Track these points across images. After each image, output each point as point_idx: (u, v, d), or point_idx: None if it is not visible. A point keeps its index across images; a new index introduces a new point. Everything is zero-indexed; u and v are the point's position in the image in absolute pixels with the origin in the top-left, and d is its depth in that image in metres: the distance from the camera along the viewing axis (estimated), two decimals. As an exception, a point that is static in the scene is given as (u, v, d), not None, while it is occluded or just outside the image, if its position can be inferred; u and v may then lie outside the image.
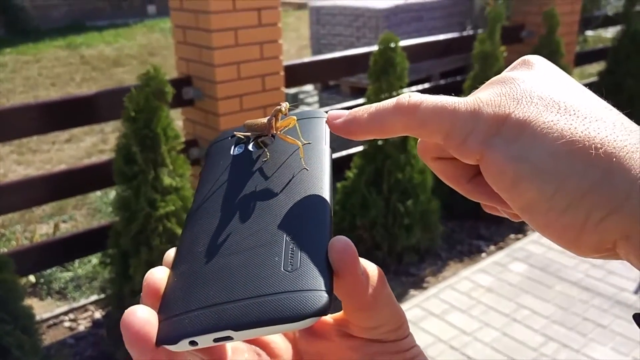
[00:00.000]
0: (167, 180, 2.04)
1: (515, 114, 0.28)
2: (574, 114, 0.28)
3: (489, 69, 3.31)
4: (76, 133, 5.34)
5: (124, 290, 2.13)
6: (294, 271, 0.28)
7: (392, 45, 2.80)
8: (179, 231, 2.07)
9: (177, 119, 2.99)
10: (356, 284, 0.29)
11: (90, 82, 7.27)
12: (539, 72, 0.31)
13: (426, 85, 3.84)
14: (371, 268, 0.32)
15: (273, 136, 0.39)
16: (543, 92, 0.29)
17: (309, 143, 0.38)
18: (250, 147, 0.39)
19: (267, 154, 0.38)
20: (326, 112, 0.37)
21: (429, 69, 4.59)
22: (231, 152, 0.39)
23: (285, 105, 0.40)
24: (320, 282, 0.28)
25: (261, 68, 2.65)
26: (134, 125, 2.03)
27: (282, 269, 0.29)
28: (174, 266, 0.32)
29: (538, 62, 0.32)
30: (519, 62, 0.33)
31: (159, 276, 0.30)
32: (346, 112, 0.34)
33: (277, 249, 0.30)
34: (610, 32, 8.53)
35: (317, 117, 0.40)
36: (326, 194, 0.33)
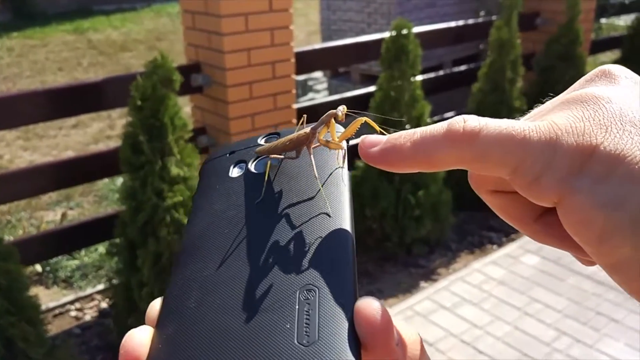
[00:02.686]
0: (174, 170, 2.00)
1: (604, 145, 0.23)
2: None
3: (506, 56, 3.23)
4: (83, 119, 5.31)
5: (131, 281, 2.09)
6: (311, 345, 0.22)
7: (405, 31, 2.74)
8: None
9: (185, 105, 2.95)
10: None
11: (97, 67, 7.22)
12: (627, 89, 0.25)
13: (439, 73, 3.76)
14: (408, 334, 0.26)
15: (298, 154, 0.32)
16: (637, 116, 0.23)
17: (341, 167, 0.31)
18: (251, 167, 0.33)
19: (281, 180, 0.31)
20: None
21: (441, 57, 4.51)
22: (229, 174, 0.33)
23: (342, 109, 0.33)
24: None
25: (272, 55, 2.59)
26: (141, 114, 1.99)
27: (295, 341, 0.23)
28: (160, 325, 0.25)
29: (622, 75, 0.26)
30: (597, 74, 0.27)
31: (139, 341, 0.24)
32: (383, 138, 0.28)
33: (288, 311, 0.24)
34: (623, 20, 8.40)
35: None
36: (349, 237, 0.27)
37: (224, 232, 0.28)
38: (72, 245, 2.53)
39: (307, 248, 0.26)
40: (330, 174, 0.31)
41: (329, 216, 0.28)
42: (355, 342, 0.23)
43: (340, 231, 0.27)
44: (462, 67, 3.99)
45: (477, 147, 0.25)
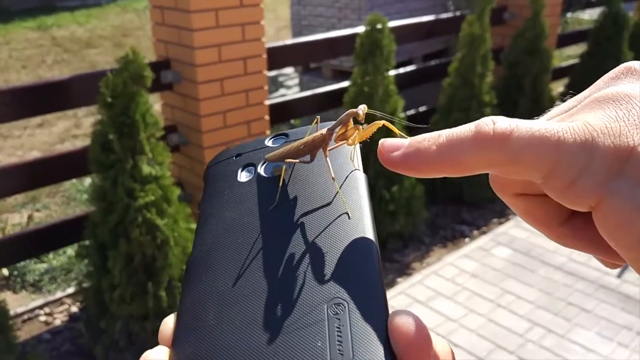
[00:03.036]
0: (146, 169, 1.96)
1: None
2: None
3: (476, 51, 3.26)
4: (48, 118, 5.18)
5: (102, 284, 2.05)
6: None
7: (379, 26, 2.73)
8: (160, 222, 2.00)
9: (154, 102, 2.89)
10: None
11: (62, 64, 7.05)
12: None
13: (411, 68, 3.78)
14: (440, 346, 0.24)
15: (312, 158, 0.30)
16: None
17: (357, 169, 0.30)
18: (261, 170, 0.31)
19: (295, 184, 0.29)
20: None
21: (411, 51, 4.53)
22: (238, 178, 0.31)
23: (363, 109, 0.31)
24: None
25: (243, 50, 2.56)
26: (111, 111, 1.94)
27: (329, 359, 0.21)
28: (176, 344, 0.24)
29: None
30: (623, 71, 0.26)
31: None
32: (404, 141, 0.26)
33: (318, 328, 0.22)
34: (587, 14, 8.57)
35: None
36: (373, 245, 0.25)
37: (239, 241, 0.27)
38: (40, 248, 2.46)
39: (330, 258, 0.25)
40: (347, 177, 0.29)
41: (350, 222, 0.27)
42: (391, 356, 0.22)
43: (364, 240, 0.26)
44: (433, 62, 4.02)
45: (509, 150, 0.24)
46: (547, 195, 0.26)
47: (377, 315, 0.22)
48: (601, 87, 0.26)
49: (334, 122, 0.31)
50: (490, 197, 3.48)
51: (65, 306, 2.62)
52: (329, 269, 0.24)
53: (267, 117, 2.78)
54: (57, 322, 2.52)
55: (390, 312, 0.23)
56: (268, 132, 2.83)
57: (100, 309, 2.09)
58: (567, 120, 0.25)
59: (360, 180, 0.29)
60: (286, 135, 0.34)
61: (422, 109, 3.78)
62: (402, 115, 2.98)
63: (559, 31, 4.52)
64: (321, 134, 0.31)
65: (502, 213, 3.43)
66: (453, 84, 3.38)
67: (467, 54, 3.29)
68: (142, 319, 2.03)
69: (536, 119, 0.26)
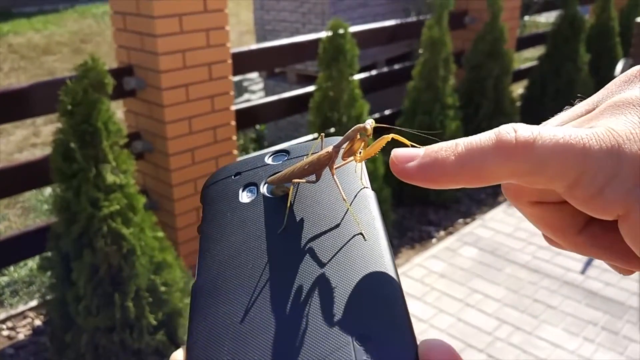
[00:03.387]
0: (110, 178, 1.92)
1: None
2: None
3: (438, 54, 3.31)
4: (6, 126, 5.03)
5: (66, 296, 1.99)
6: None
7: (341, 31, 2.74)
8: (125, 231, 1.96)
9: (117, 110, 2.84)
10: None
11: (19, 72, 6.87)
12: None
13: (374, 72, 3.81)
14: None
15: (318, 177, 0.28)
16: None
17: (365, 187, 0.28)
18: (264, 190, 0.29)
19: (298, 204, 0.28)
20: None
21: (374, 56, 4.56)
22: (240, 199, 0.29)
23: (371, 123, 0.29)
24: None
25: (208, 56, 2.54)
26: (72, 119, 1.89)
27: None
28: None
29: None
30: (636, 75, 0.26)
31: None
32: (418, 151, 0.25)
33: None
34: (544, 17, 8.79)
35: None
36: (394, 270, 0.24)
37: (248, 268, 0.25)
38: (0, 261, 2.39)
39: (349, 286, 0.23)
40: (356, 196, 0.28)
41: (366, 245, 0.25)
42: None
43: (383, 264, 0.24)
44: (397, 66, 4.06)
45: (533, 159, 0.23)
46: (563, 203, 0.25)
47: (408, 348, 0.21)
48: (614, 91, 0.26)
49: (340, 139, 0.30)
50: (456, 198, 3.53)
51: (29, 320, 2.54)
52: (350, 299, 0.23)
53: (233, 123, 2.76)
54: (21, 336, 2.44)
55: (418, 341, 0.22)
56: (234, 137, 2.81)
57: (65, 322, 2.04)
58: (586, 126, 0.24)
59: (370, 199, 0.28)
60: (287, 152, 0.32)
61: (386, 112, 3.81)
62: (366, 118, 2.99)
63: (517, 34, 4.62)
64: (327, 151, 0.29)
65: (467, 213, 3.48)
66: (417, 87, 3.42)
67: (429, 58, 3.33)
68: (109, 331, 1.98)
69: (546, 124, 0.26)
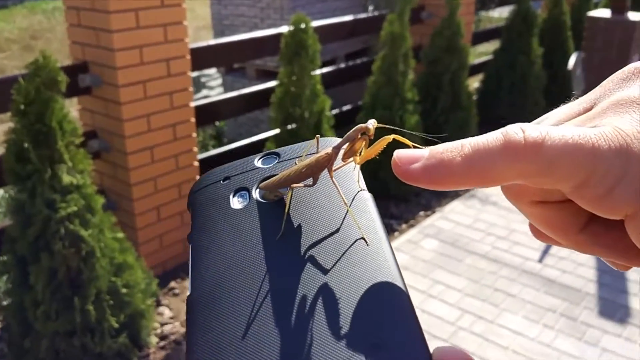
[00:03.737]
0: (66, 179, 1.86)
1: None
2: None
3: (397, 50, 3.33)
4: (-48, 126, 4.83)
5: (24, 301, 1.93)
6: None
7: (303, 26, 2.74)
8: (84, 233, 1.91)
9: (70, 107, 2.76)
10: None
11: (-35, 69, 6.60)
12: None
13: (334, 67, 3.81)
14: None
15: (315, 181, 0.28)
16: None
17: (363, 190, 0.28)
18: (256, 195, 0.28)
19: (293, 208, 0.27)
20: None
21: (334, 51, 4.57)
22: (231, 205, 0.28)
23: (373, 123, 0.28)
24: None
25: (165, 52, 2.49)
26: (25, 119, 1.83)
27: None
28: None
29: None
30: (633, 72, 0.26)
31: None
32: (423, 152, 0.24)
33: None
34: (497, 12, 8.98)
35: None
36: (399, 275, 0.24)
37: (247, 279, 0.24)
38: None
39: (356, 293, 0.23)
40: (354, 199, 0.27)
41: (369, 250, 0.25)
42: None
43: (388, 269, 0.24)
44: (358, 61, 4.07)
45: (542, 160, 0.22)
46: (565, 202, 0.25)
47: (422, 356, 0.21)
48: (612, 88, 0.26)
49: (338, 140, 0.29)
50: (416, 191, 3.58)
51: (-17, 327, 2.45)
52: (358, 308, 0.22)
53: (193, 120, 2.72)
54: (-26, 345, 2.35)
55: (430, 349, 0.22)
56: (194, 134, 2.77)
57: (23, 328, 1.97)
58: (589, 125, 0.24)
59: (369, 202, 0.28)
60: (277, 154, 0.31)
61: (346, 107, 3.82)
62: (328, 114, 2.99)
63: (472, 29, 4.70)
64: (326, 153, 0.29)
65: (427, 206, 3.53)
66: (377, 82, 3.44)
67: (389, 53, 3.36)
68: (69, 335, 1.93)
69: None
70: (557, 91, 4.78)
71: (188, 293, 0.25)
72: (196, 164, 2.80)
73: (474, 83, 4.93)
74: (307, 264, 0.24)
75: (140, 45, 2.40)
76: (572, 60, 3.43)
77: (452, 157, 0.23)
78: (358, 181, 0.29)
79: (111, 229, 2.08)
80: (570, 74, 3.39)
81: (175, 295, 2.62)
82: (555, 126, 0.24)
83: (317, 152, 0.29)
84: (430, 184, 0.24)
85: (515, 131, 0.23)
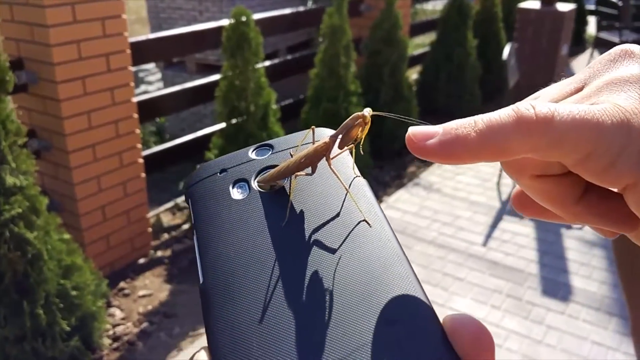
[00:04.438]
0: (10, 180, 1.78)
1: None
2: None
3: (338, 42, 3.36)
4: None
5: (-34, 310, 1.84)
6: None
7: (244, 19, 2.71)
8: (30, 235, 1.83)
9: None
10: None
11: None
12: None
13: (277, 60, 3.80)
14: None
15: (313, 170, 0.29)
16: None
17: (358, 176, 0.29)
18: (255, 185, 0.29)
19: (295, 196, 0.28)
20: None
21: (275, 44, 4.55)
22: (232, 196, 0.28)
23: (369, 111, 0.29)
24: None
25: (105, 46, 2.42)
26: (-39, 118, 1.74)
27: None
28: None
29: None
30: (620, 54, 0.27)
31: None
32: (437, 129, 0.25)
33: (376, 347, 0.22)
34: (431, 5, 9.19)
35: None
36: (402, 253, 0.25)
37: (258, 264, 0.25)
38: None
39: (364, 273, 0.24)
40: (350, 185, 0.29)
41: (372, 231, 0.26)
42: (451, 354, 0.21)
43: (392, 249, 0.25)
44: (299, 54, 4.08)
45: (552, 134, 0.24)
46: (563, 175, 0.27)
47: (435, 331, 0.22)
48: (601, 69, 0.27)
49: (331, 131, 0.30)
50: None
51: None
52: (368, 285, 0.24)
53: (135, 116, 2.65)
54: None
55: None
56: (137, 131, 2.71)
57: (-35, 339, 1.88)
58: (586, 102, 0.25)
59: (365, 187, 0.29)
60: (270, 146, 0.32)
61: (289, 101, 3.82)
62: (274, 107, 2.99)
63: (410, 21, 4.80)
64: (324, 142, 0.29)
65: (376, 195, 3.58)
66: (320, 74, 3.46)
67: (330, 45, 3.38)
68: (19, 340, 1.85)
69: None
70: (492, 80, 4.96)
71: (200, 281, 0.25)
72: (141, 160, 2.74)
73: (413, 74, 5.03)
74: (315, 247, 0.25)
75: (77, 40, 2.32)
76: (506, 51, 3.56)
77: (467, 133, 0.25)
78: (353, 168, 0.30)
79: (57, 231, 2.01)
80: (505, 63, 3.52)
81: (126, 295, 2.56)
82: (564, 103, 0.25)
83: (313, 142, 0.30)
84: (446, 159, 0.25)
85: (527, 107, 0.24)
